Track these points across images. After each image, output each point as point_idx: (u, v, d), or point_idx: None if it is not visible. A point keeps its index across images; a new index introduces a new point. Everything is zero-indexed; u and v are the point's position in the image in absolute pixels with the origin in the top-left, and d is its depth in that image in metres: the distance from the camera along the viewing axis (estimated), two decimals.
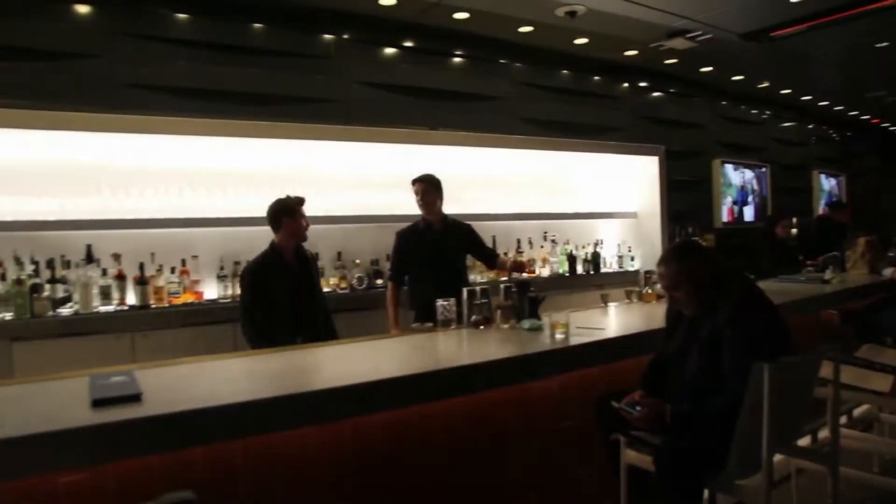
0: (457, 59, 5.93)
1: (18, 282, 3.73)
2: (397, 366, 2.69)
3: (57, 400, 2.09)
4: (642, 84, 7.49)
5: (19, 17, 4.06)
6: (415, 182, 4.12)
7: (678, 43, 6.10)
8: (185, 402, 1.97)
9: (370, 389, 2.30)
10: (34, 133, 3.83)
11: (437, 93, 5.71)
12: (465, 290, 3.33)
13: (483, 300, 3.31)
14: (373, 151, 5.01)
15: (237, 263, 4.39)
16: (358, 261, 4.91)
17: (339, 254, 4.88)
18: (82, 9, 4.26)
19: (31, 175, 3.94)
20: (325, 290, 4.68)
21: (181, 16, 4.60)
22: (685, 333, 2.67)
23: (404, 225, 4.29)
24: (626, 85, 7.30)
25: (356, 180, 5.02)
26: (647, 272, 4.45)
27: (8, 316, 3.69)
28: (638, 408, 2.49)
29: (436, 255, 4.09)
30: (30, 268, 3.85)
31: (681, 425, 2.40)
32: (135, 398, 1.98)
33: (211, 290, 4.43)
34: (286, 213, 3.63)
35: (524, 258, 5.67)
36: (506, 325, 3.29)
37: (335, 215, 4.82)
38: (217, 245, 4.45)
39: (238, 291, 3.97)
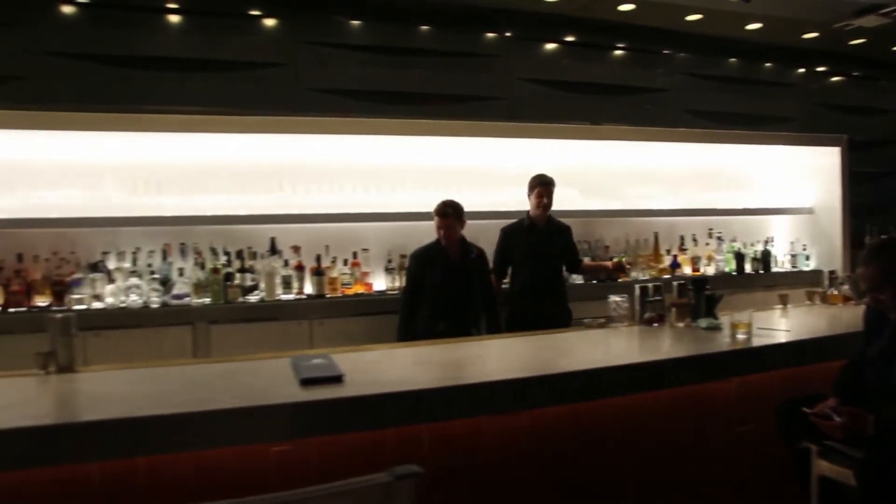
0: (619, 52, 5.79)
1: (215, 270, 4.13)
2: (569, 361, 2.71)
3: (264, 378, 2.30)
4: (820, 69, 6.89)
5: (218, 33, 4.49)
6: (536, 185, 4.20)
7: (869, 20, 5.53)
8: (381, 386, 2.10)
9: (541, 383, 2.34)
10: (226, 136, 4.22)
11: (600, 87, 5.62)
12: (637, 287, 3.28)
13: (656, 297, 3.24)
14: (535, 147, 5.01)
15: (403, 256, 4.57)
16: None
17: None
18: (269, 22, 4.63)
19: (223, 174, 4.34)
20: None
21: (355, 22, 4.87)
22: (890, 338, 2.45)
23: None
24: (801, 71, 6.76)
25: (520, 176, 5.04)
26: (831, 272, 4.13)
27: (207, 301, 4.10)
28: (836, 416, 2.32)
29: (535, 253, 4.18)
30: (223, 258, 4.25)
31: (886, 436, 2.21)
32: (337, 379, 2.14)
33: (379, 282, 4.65)
34: (436, 213, 3.94)
35: (688, 256, 5.46)
36: (680, 324, 3.20)
37: (498, 210, 4.87)
38: (385, 239, 4.66)
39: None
